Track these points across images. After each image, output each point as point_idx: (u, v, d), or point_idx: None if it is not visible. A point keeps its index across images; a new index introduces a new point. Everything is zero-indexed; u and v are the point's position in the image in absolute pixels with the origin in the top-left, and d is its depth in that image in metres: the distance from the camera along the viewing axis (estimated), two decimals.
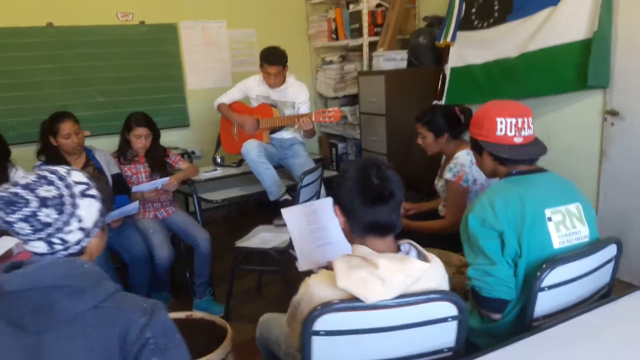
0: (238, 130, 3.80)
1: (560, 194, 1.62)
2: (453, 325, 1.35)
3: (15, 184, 1.11)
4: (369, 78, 4.15)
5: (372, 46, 4.43)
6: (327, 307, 1.28)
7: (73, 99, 4.31)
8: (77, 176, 1.18)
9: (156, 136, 3.28)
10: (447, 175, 2.50)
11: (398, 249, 1.38)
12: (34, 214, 1.09)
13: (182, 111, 4.75)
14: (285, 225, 3.33)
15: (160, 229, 3.11)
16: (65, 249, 1.14)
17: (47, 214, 1.10)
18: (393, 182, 1.36)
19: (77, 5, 4.26)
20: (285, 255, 2.94)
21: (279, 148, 3.71)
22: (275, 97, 3.67)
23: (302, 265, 1.92)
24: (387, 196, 1.34)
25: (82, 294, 1.09)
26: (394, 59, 4.00)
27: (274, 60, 3.49)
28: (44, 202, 1.10)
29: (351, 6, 4.57)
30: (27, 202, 1.09)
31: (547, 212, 1.55)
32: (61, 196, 1.12)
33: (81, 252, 1.18)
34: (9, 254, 2.64)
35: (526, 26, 3.39)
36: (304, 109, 3.61)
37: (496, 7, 3.66)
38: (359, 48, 4.59)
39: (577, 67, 3.08)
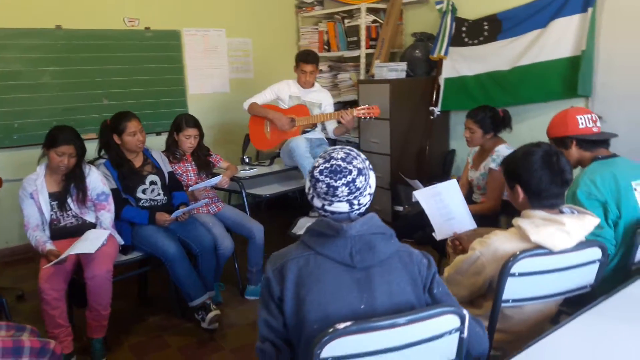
0: (271, 127, 4.05)
1: (637, 171, 2.14)
2: (596, 266, 1.81)
3: (333, 158, 1.40)
4: (370, 86, 4.57)
5: (367, 58, 4.87)
6: (521, 254, 1.67)
7: (79, 101, 4.32)
8: (362, 154, 1.48)
9: (202, 136, 3.46)
10: (492, 165, 2.98)
11: (561, 212, 1.80)
12: (353, 181, 1.39)
13: None
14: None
15: (217, 222, 3.30)
16: (359, 209, 1.44)
17: (360, 181, 1.40)
18: (570, 167, 1.76)
19: (86, 9, 4.29)
20: None
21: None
22: (305, 98, 4.00)
23: (438, 235, 2.29)
24: (569, 180, 1.75)
25: (390, 239, 1.41)
26: (396, 70, 4.46)
27: (310, 59, 3.93)
28: (360, 171, 1.40)
29: (346, 21, 4.99)
30: (350, 171, 1.38)
31: (633, 184, 2.07)
32: (364, 168, 1.42)
33: (363, 214, 1.48)
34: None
35: (516, 44, 4.03)
36: (330, 109, 4.00)
37: (486, 27, 4.27)
38: (354, 59, 5.02)
39: (564, 79, 3.76)
